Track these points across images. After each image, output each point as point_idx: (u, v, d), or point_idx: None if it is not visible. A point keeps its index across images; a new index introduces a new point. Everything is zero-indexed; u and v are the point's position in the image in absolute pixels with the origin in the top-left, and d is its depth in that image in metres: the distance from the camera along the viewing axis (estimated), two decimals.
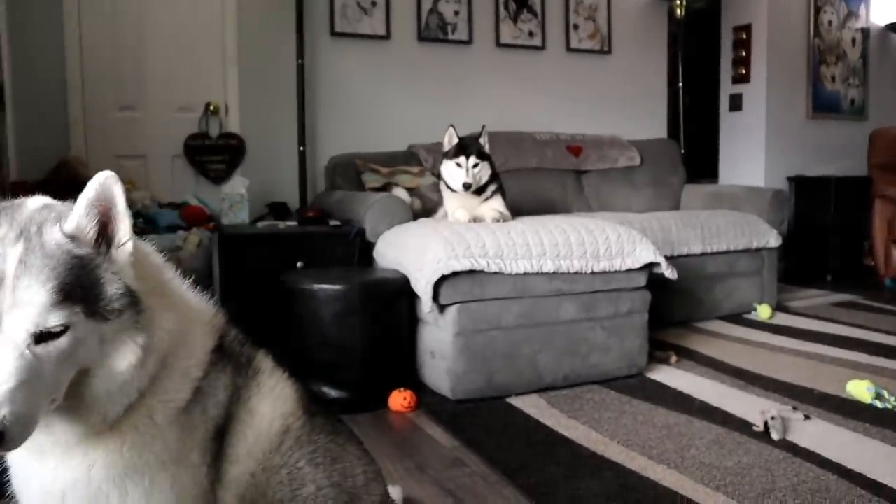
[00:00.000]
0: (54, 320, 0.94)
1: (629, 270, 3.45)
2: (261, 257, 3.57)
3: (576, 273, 3.32)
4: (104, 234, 1.04)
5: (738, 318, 4.68)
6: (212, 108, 4.55)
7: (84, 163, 4.07)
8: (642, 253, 3.44)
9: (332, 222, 3.87)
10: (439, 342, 3.20)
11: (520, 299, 3.25)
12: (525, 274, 3.22)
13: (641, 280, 3.50)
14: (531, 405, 3.14)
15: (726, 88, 6.59)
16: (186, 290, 1.21)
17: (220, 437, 1.15)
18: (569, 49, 5.81)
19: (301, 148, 4.69)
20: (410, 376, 3.32)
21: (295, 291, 3.13)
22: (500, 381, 3.22)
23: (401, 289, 3.23)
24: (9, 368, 0.92)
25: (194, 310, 1.19)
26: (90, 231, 1.02)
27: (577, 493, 2.33)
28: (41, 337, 0.94)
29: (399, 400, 3.08)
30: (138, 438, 1.07)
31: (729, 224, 4.64)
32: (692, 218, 4.58)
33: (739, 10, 6.42)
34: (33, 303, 0.94)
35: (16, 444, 0.92)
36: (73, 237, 1.00)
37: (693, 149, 6.11)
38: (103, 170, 1.05)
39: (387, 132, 5.00)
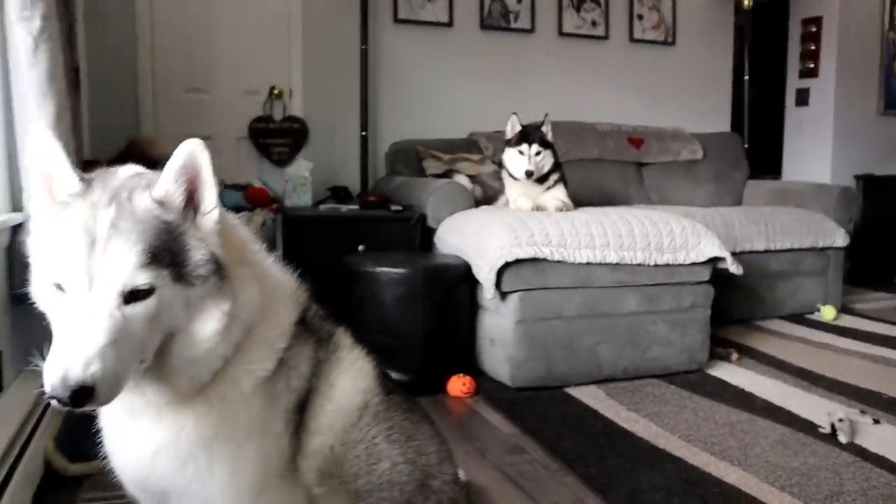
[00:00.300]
0: (142, 281, 0.97)
1: (693, 264, 3.39)
2: (323, 240, 3.61)
3: (639, 265, 3.29)
4: (191, 201, 1.06)
5: (800, 319, 4.58)
6: (276, 91, 4.61)
7: (153, 142, 4.15)
8: (707, 247, 3.39)
9: (394, 207, 3.89)
10: (500, 329, 3.20)
11: (582, 289, 3.23)
12: (588, 264, 3.20)
13: (705, 274, 3.45)
14: (590, 396, 3.13)
15: (793, 83, 6.42)
16: (271, 264, 1.23)
17: (302, 410, 1.17)
18: (632, 39, 5.73)
19: (363, 133, 4.73)
20: (469, 362, 3.33)
21: (357, 274, 3.16)
22: (559, 370, 3.21)
23: (462, 275, 3.24)
24: (100, 326, 0.95)
25: (279, 282, 1.21)
26: (178, 198, 1.04)
27: (638, 485, 2.31)
28: (130, 298, 0.97)
29: (458, 385, 3.09)
30: (225, 406, 1.10)
31: (794, 221, 4.53)
32: (756, 214, 4.48)
33: (809, 3, 6.25)
34: (123, 263, 0.97)
35: (104, 401, 0.95)
36: (161, 203, 1.03)
37: (756, 144, 5.97)
38: (172, 150, 1.07)
39: (447, 119, 5.00)
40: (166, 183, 1.03)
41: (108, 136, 4.09)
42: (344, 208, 3.95)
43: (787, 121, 6.50)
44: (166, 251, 1.00)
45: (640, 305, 3.34)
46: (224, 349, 1.08)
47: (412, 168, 4.46)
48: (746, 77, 5.89)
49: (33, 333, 2.62)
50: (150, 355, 1.02)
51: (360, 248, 3.60)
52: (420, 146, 4.52)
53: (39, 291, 1.05)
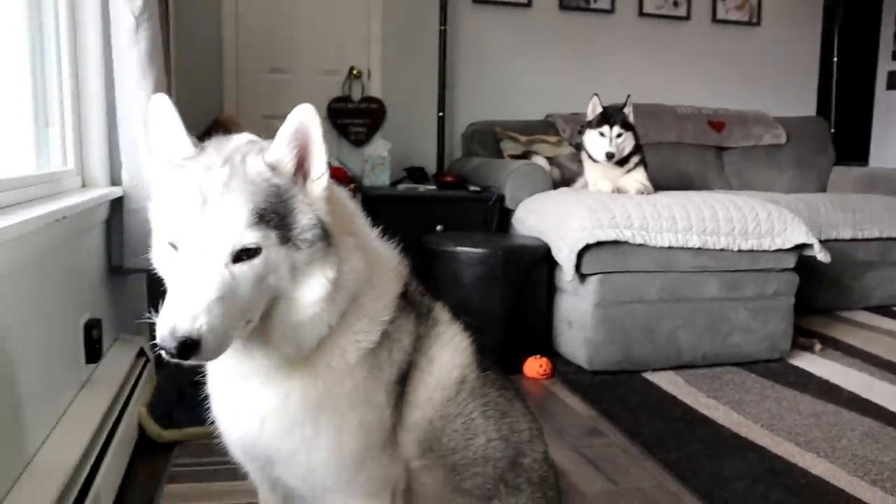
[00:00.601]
0: (250, 240, 0.99)
1: (778, 250, 3.30)
2: (401, 219, 3.62)
3: (721, 250, 3.22)
4: (301, 167, 1.08)
5: (888, 311, 4.40)
6: (355, 72, 4.65)
7: (235, 122, 4.25)
8: (793, 233, 3.29)
9: (472, 188, 3.89)
10: (578, 312, 3.18)
11: (662, 273, 3.19)
12: (670, 248, 3.15)
13: (790, 261, 3.36)
14: (668, 381, 3.09)
15: (885, 65, 6.14)
16: (376, 237, 1.25)
17: (403, 383, 1.19)
18: (715, 20, 5.56)
19: (440, 114, 4.73)
20: (546, 344, 3.32)
21: (437, 253, 3.18)
22: (637, 354, 3.18)
23: (541, 256, 3.23)
24: (208, 283, 0.97)
25: (383, 256, 1.23)
26: (289, 163, 1.06)
27: (720, 472, 2.27)
28: (238, 257, 1.00)
29: (535, 367, 3.09)
30: (331, 375, 1.12)
31: (884, 209, 4.34)
32: (842, 201, 4.32)
33: None
34: (233, 222, 0.99)
35: (209, 355, 0.97)
36: (272, 167, 1.05)
37: (843, 129, 5.75)
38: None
39: (524, 101, 4.97)
40: (278, 147, 1.06)
41: (192, 115, 4.18)
42: (422, 188, 3.98)
43: (876, 105, 6.22)
44: (274, 213, 1.02)
45: (721, 291, 3.27)
46: (329, 317, 1.10)
47: (489, 149, 4.45)
48: (835, 59, 5.67)
49: (130, 303, 2.74)
50: (257, 317, 1.05)
51: (438, 228, 3.62)
52: (497, 127, 4.50)
53: (157, 253, 1.10)
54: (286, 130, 1.06)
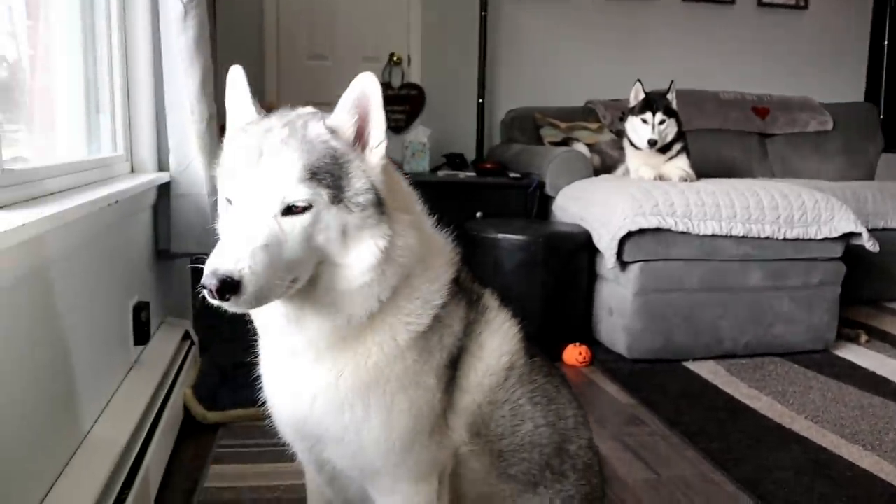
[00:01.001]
0: (300, 195, 1.02)
1: (825, 239, 3.25)
2: (441, 206, 3.60)
3: (766, 238, 3.17)
4: (361, 135, 1.10)
5: None
6: (395, 58, 4.65)
7: (276, 109, 4.29)
8: (841, 221, 3.23)
9: (512, 174, 3.88)
10: (618, 299, 3.17)
11: (705, 261, 3.15)
12: (713, 236, 3.11)
13: (837, 250, 3.30)
14: (709, 371, 3.06)
15: None
16: (430, 223, 1.25)
17: (453, 367, 1.19)
18: (760, 4, 5.45)
19: (480, 100, 4.72)
20: (585, 332, 3.31)
21: (478, 240, 3.18)
22: (677, 343, 3.15)
23: (582, 243, 3.22)
24: (256, 230, 1.00)
25: (436, 241, 1.24)
26: (349, 129, 1.08)
27: (763, 462, 2.25)
28: (288, 211, 1.02)
29: (574, 354, 3.09)
30: (382, 356, 1.13)
31: None
32: (891, 189, 4.22)
33: None
34: (285, 175, 1.02)
35: (248, 300, 0.98)
36: (332, 130, 1.08)
37: (892, 115, 5.60)
38: None
39: (564, 87, 4.93)
40: (339, 113, 1.09)
41: None
42: (461, 175, 3.98)
43: None
44: (328, 173, 1.04)
45: (765, 280, 3.23)
46: (380, 290, 1.10)
47: (528, 136, 4.43)
48: (885, 42, 5.52)
49: (175, 287, 2.79)
50: (304, 277, 1.05)
51: (478, 214, 3.62)
52: (537, 114, 4.48)
53: (219, 215, 1.13)
54: (348, 97, 1.08)
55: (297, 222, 1.02)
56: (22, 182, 1.44)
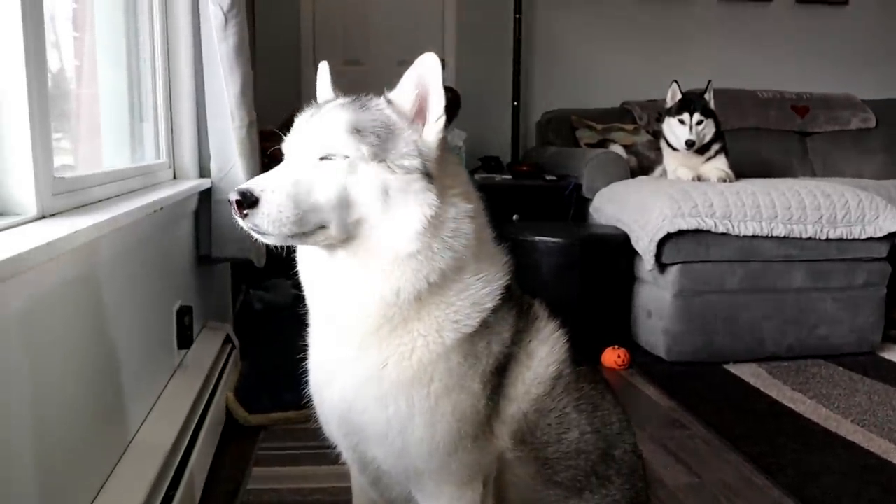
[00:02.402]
0: (338, 144, 1.09)
1: (869, 239, 3.19)
2: None
3: (808, 238, 3.12)
4: (420, 114, 1.14)
5: None
6: None
7: None
8: (886, 221, 3.17)
9: (548, 177, 3.87)
10: (657, 301, 3.14)
11: (745, 263, 3.11)
12: (753, 237, 3.07)
13: (882, 250, 3.23)
14: (751, 373, 3.02)
15: None
16: (489, 228, 1.24)
17: (501, 374, 1.19)
18: (798, 0, 5.37)
19: (514, 103, 4.72)
20: (624, 334, 3.29)
21: (515, 242, 3.15)
22: (717, 345, 3.12)
23: (620, 245, 3.20)
24: (291, 169, 1.10)
25: (492, 245, 1.23)
26: (407, 103, 1.14)
27: (808, 467, 2.21)
28: (326, 159, 1.10)
29: (613, 357, 3.07)
30: (426, 352, 1.13)
31: None
32: None
33: None
34: (329, 126, 1.11)
35: (264, 223, 1.06)
36: (389, 101, 1.15)
37: None
38: None
39: (599, 88, 4.90)
40: (400, 88, 1.15)
41: (271, 107, 4.29)
42: (497, 178, 3.98)
43: None
44: (374, 134, 1.09)
45: (807, 281, 3.18)
46: (429, 267, 1.11)
47: (564, 138, 4.42)
48: None
49: (216, 292, 2.83)
50: (334, 227, 1.09)
51: (515, 217, 3.62)
52: (573, 115, 4.46)
53: None
54: (410, 74, 1.14)
55: (330, 165, 1.09)
56: (72, 190, 1.48)
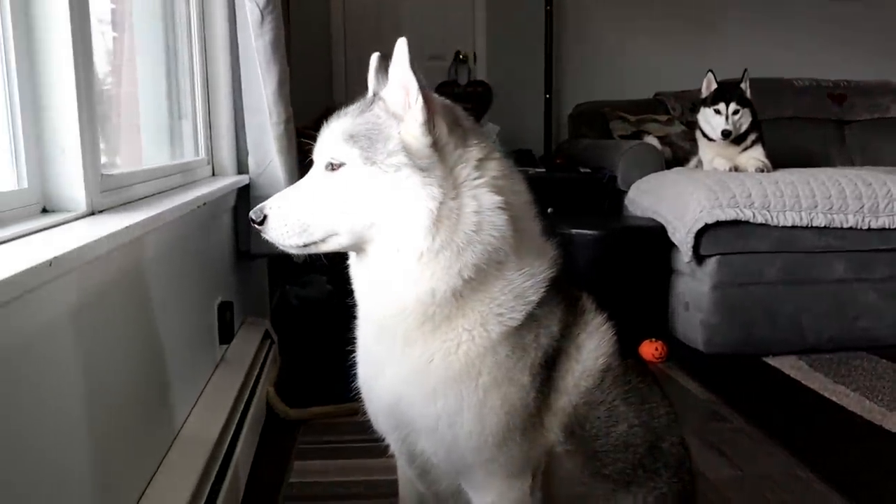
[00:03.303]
0: (333, 153, 1.13)
1: None
2: None
3: (849, 228, 3.07)
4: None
5: None
6: (461, 56, 4.66)
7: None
8: None
9: (583, 169, 3.85)
10: (695, 293, 3.11)
11: (784, 254, 3.07)
12: (792, 227, 3.03)
13: None
14: (791, 366, 2.98)
15: None
16: (535, 220, 1.23)
17: (550, 367, 1.18)
18: None
19: (546, 95, 4.69)
20: (661, 327, 3.26)
21: (550, 235, 3.16)
22: (756, 337, 3.08)
23: (656, 237, 3.17)
24: (302, 183, 1.19)
25: (537, 237, 1.22)
26: (393, 97, 1.13)
27: (853, 460, 2.19)
28: (331, 168, 1.14)
29: (650, 350, 3.04)
30: (473, 346, 1.13)
31: None
32: None
33: None
34: (327, 137, 1.16)
35: (273, 233, 1.16)
36: (381, 99, 1.16)
37: None
38: None
39: (632, 80, 4.86)
40: (389, 83, 1.15)
41: (304, 104, 4.32)
42: (531, 171, 3.96)
43: None
44: (365, 137, 1.12)
45: (848, 272, 3.13)
46: (459, 263, 1.10)
47: (596, 130, 4.38)
48: None
49: (254, 287, 2.85)
50: (344, 232, 1.14)
51: (549, 210, 3.60)
52: (606, 107, 4.42)
53: None
54: (391, 68, 1.14)
55: (333, 175, 1.14)
56: (118, 187, 1.50)
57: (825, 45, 5.25)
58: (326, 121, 1.19)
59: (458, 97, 4.72)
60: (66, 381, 1.08)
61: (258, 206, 1.18)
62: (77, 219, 1.25)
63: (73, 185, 1.26)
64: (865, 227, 3.07)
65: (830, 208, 3.05)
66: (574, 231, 3.09)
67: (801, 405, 2.61)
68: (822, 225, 3.05)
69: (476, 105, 4.66)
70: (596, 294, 3.17)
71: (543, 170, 3.98)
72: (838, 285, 3.13)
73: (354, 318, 1.28)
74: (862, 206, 3.06)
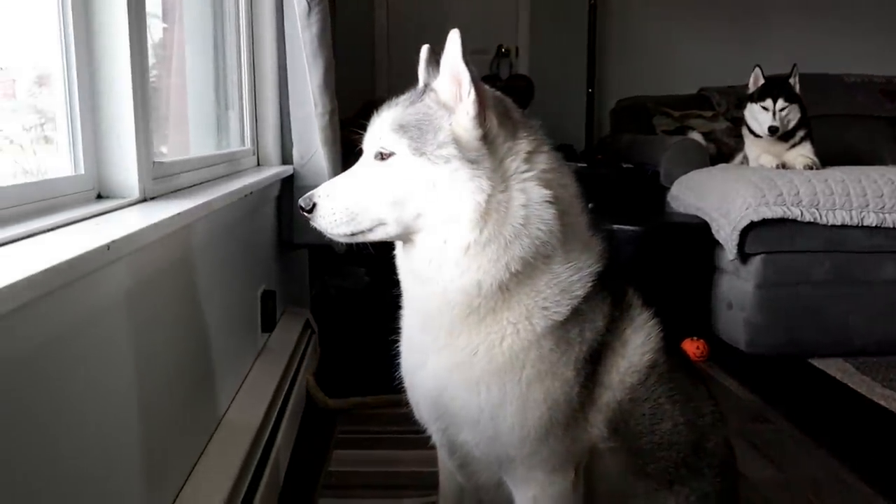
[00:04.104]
0: (384, 142, 1.14)
1: None
2: None
3: None
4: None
5: None
6: (503, 50, 4.64)
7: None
8: None
9: (625, 165, 3.81)
10: (738, 292, 3.06)
11: (833, 253, 3.01)
12: (842, 226, 2.97)
13: None
14: (837, 369, 2.92)
15: None
16: (583, 214, 1.22)
17: (595, 362, 1.17)
18: None
19: (589, 90, 4.66)
20: (703, 326, 3.22)
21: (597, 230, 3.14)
22: (801, 339, 3.03)
23: (699, 234, 3.13)
24: (351, 171, 1.19)
25: (584, 232, 1.20)
26: (444, 88, 1.14)
27: None
28: (380, 157, 1.15)
29: (692, 348, 3.00)
30: (517, 339, 1.13)
31: None
32: None
33: None
34: (378, 127, 1.16)
35: (322, 221, 1.17)
36: (432, 90, 1.16)
37: None
38: None
39: (676, 74, 4.79)
40: (440, 74, 1.15)
41: (347, 97, 4.34)
42: (573, 166, 3.93)
43: None
44: (415, 128, 1.12)
45: None
46: (507, 257, 1.09)
47: (639, 125, 4.33)
48: None
49: (296, 277, 2.88)
50: (392, 221, 1.14)
51: (590, 205, 3.57)
52: (650, 102, 4.37)
53: None
54: (443, 60, 1.14)
55: (382, 165, 1.14)
56: (169, 175, 1.52)
57: (878, 40, 5.11)
58: (376, 111, 1.19)
59: (500, 91, 4.70)
60: (118, 364, 1.10)
61: (307, 194, 1.18)
62: (130, 205, 1.28)
63: (127, 172, 1.29)
64: None
65: (882, 207, 2.97)
66: (616, 227, 3.07)
67: (847, 408, 2.56)
68: (873, 224, 2.97)
69: (517, 99, 4.62)
70: (637, 290, 3.14)
71: (585, 164, 3.95)
72: (888, 287, 3.06)
73: (393, 309, 1.29)
74: None
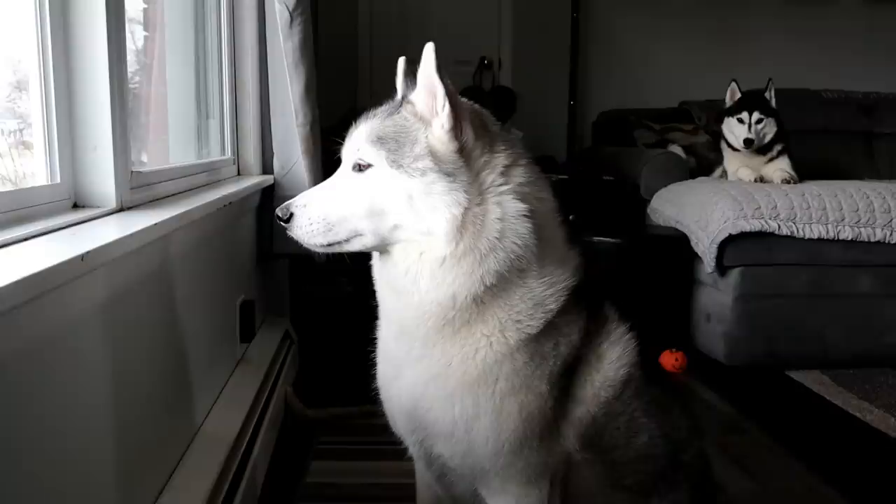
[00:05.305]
0: (361, 153, 1.14)
1: None
2: None
3: (877, 243, 3.04)
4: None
5: None
6: (486, 61, 4.66)
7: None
8: None
9: (605, 177, 3.83)
10: (717, 305, 3.09)
11: (809, 267, 3.04)
12: (819, 240, 3.00)
13: None
14: (814, 380, 2.94)
15: None
16: (560, 229, 1.21)
17: (569, 376, 1.17)
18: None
19: (570, 102, 4.68)
20: (681, 338, 3.23)
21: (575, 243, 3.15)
22: (779, 351, 3.05)
23: (678, 247, 3.15)
24: (328, 183, 1.19)
25: (560, 246, 1.19)
26: (420, 101, 1.14)
27: (879, 479, 2.16)
28: (358, 169, 1.15)
29: (670, 360, 3.02)
30: (490, 352, 1.13)
31: None
32: None
33: None
34: (356, 138, 1.16)
35: (298, 231, 1.17)
36: (409, 103, 1.16)
37: None
38: None
39: (657, 88, 4.83)
40: (417, 87, 1.15)
41: (329, 105, 4.33)
42: (554, 177, 3.95)
43: None
44: (392, 140, 1.12)
45: (875, 287, 3.09)
46: (481, 270, 1.09)
47: (620, 138, 4.36)
48: None
49: (275, 287, 2.87)
50: (368, 233, 1.14)
51: (570, 217, 3.58)
52: (631, 115, 4.40)
53: None
54: (419, 72, 1.13)
55: (361, 178, 1.14)
56: (147, 184, 1.52)
57: (855, 57, 5.19)
58: (355, 122, 1.19)
59: (482, 103, 4.72)
60: (93, 375, 1.09)
61: (284, 204, 1.18)
62: (107, 214, 1.27)
63: (104, 182, 1.28)
64: (893, 241, 3.03)
65: (858, 221, 3.01)
66: (595, 239, 3.08)
67: (823, 421, 2.58)
68: (849, 238, 3.01)
69: (499, 111, 4.65)
70: (616, 303, 3.15)
71: (566, 176, 3.97)
72: (864, 300, 3.10)
73: (374, 319, 1.28)
74: (890, 220, 3.02)
